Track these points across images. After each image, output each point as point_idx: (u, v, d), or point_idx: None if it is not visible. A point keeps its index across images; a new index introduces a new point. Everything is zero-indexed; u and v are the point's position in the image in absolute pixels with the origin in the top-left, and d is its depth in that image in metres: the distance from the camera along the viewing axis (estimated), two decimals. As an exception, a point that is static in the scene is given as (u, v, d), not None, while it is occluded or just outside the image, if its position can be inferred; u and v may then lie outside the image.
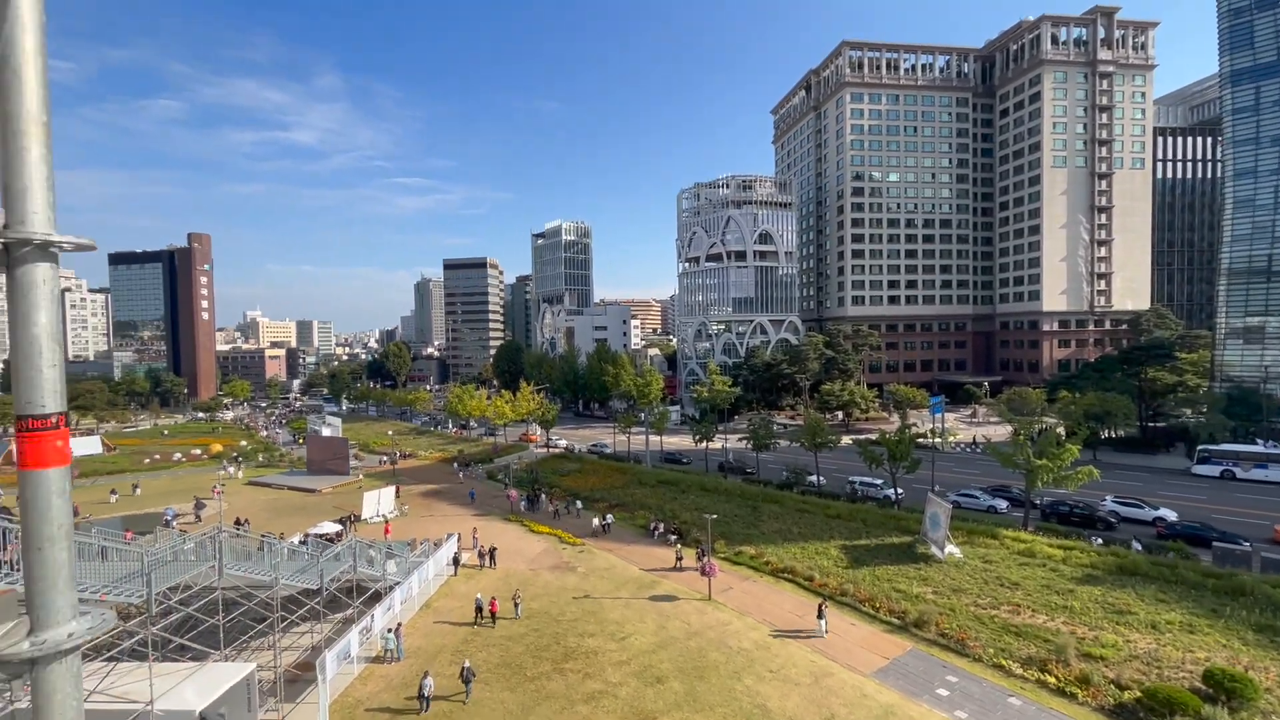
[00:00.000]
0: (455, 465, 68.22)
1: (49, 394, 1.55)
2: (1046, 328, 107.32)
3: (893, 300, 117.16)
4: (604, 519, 43.73)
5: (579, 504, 48.49)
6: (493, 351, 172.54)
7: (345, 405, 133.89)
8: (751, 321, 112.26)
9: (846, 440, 60.18)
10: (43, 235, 1.45)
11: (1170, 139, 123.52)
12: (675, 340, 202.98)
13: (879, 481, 50.25)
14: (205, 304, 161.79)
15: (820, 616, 25.99)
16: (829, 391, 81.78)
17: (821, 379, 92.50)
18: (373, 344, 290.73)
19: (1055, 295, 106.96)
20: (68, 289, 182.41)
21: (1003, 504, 45.40)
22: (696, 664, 23.84)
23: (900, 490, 47.43)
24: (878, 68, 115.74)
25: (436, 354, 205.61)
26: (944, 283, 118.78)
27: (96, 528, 30.21)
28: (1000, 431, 74.75)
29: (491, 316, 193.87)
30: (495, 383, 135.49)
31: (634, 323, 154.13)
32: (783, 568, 33.94)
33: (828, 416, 78.77)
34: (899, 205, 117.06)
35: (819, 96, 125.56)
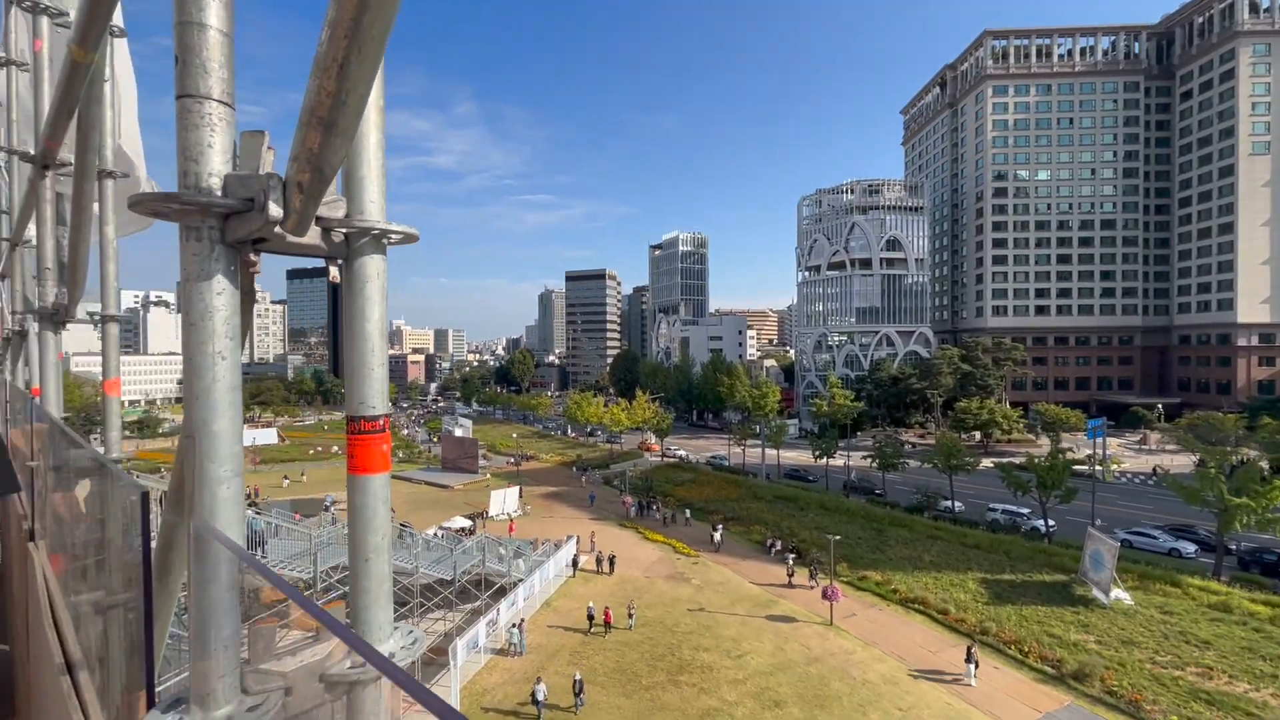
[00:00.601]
0: (574, 469, 70.71)
1: (378, 395, 1.48)
2: (1242, 342, 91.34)
3: (1041, 310, 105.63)
4: (715, 529, 43.34)
5: (688, 513, 48.36)
6: (609, 360, 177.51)
7: (474, 407, 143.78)
8: (877, 333, 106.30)
9: (986, 463, 54.93)
10: (380, 225, 1.38)
11: None
12: (792, 351, 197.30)
13: (1025, 511, 45.26)
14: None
15: (969, 659, 23.31)
16: (965, 409, 75.24)
17: (956, 396, 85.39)
18: (500, 351, 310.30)
19: (1254, 305, 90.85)
20: (256, 300, 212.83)
21: (1190, 547, 39.04)
22: (818, 692, 22.72)
23: (1052, 522, 42.43)
24: (1025, 56, 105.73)
25: (557, 361, 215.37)
26: (1105, 291, 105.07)
27: (275, 508, 34.76)
28: (1179, 462, 64.63)
29: (609, 326, 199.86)
30: (611, 390, 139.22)
31: (750, 333, 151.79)
32: (913, 598, 31.56)
33: (963, 437, 72.46)
34: (1050, 206, 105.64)
35: (955, 92, 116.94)
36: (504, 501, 50.68)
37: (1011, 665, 24.74)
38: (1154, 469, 63.58)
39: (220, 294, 1.13)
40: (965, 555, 37.49)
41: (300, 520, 42.42)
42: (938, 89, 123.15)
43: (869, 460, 56.82)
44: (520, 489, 56.01)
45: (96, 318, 2.10)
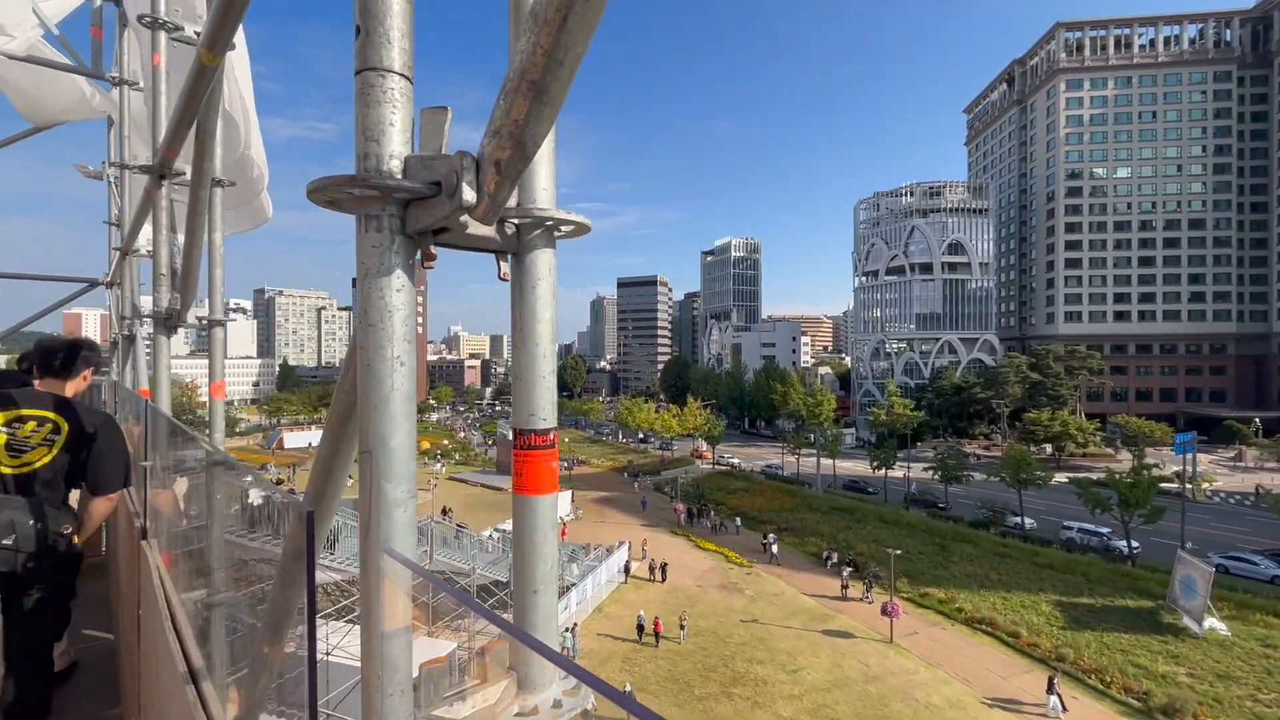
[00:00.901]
0: (625, 475, 70.95)
1: (549, 405, 1.37)
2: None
3: (1120, 316, 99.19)
4: (766, 538, 42.81)
5: (738, 521, 47.93)
6: (660, 366, 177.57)
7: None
8: (938, 340, 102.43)
9: (1059, 478, 51.92)
10: (554, 215, 1.25)
11: None
12: (848, 359, 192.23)
13: (1105, 531, 42.39)
14: (421, 320, 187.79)
15: (1051, 690, 21.50)
16: (1035, 420, 71.38)
17: (1024, 406, 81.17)
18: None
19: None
20: (322, 307, 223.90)
21: (1296, 576, 35.77)
22: (878, 713, 21.89)
23: (1135, 543, 39.63)
24: (1102, 48, 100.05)
25: (608, 367, 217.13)
26: (1194, 295, 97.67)
27: (342, 506, 36.33)
28: (1281, 481, 59.24)
29: (660, 332, 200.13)
30: (662, 396, 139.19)
31: (804, 340, 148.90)
32: (979, 618, 30.05)
33: (1032, 450, 68.71)
34: (1130, 205, 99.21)
35: (1024, 88, 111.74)
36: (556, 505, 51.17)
37: (1092, 696, 23.17)
38: (1256, 488, 58.38)
39: (400, 291, 1.03)
40: (1037, 575, 35.50)
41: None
42: (1004, 85, 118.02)
43: (931, 472, 54.67)
44: (572, 493, 56.58)
45: (204, 321, 2.17)
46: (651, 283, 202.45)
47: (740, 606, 32.31)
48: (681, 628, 27.94)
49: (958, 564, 37.90)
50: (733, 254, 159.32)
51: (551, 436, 1.38)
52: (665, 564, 35.25)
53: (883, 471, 59.37)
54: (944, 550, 40.45)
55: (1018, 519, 45.64)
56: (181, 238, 2.04)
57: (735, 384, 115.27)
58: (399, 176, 1.00)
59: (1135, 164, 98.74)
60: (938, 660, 26.07)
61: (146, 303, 4.16)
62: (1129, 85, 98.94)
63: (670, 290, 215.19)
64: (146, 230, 3.86)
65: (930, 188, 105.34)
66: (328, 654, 18.62)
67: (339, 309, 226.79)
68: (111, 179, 5.07)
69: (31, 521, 2.57)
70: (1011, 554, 39.02)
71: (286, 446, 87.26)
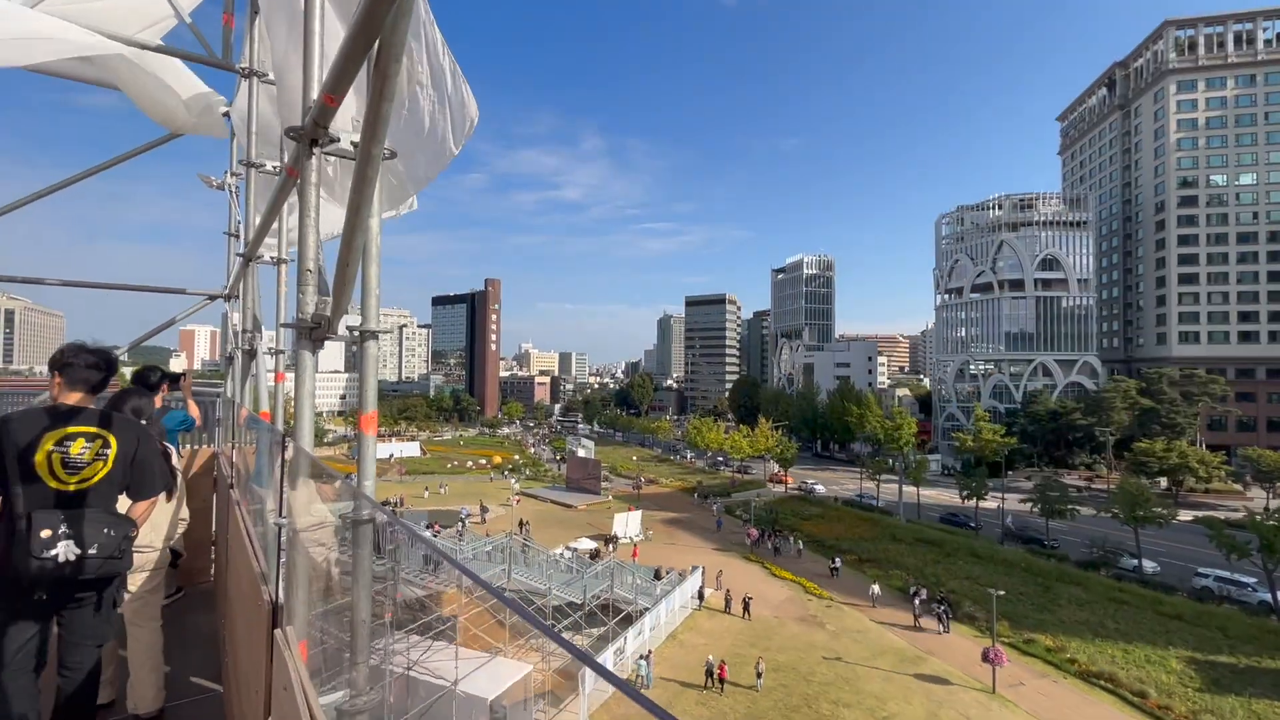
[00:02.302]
0: (695, 495, 69.64)
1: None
2: None
3: (1247, 338, 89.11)
4: (834, 562, 41.85)
5: (800, 544, 46.95)
6: (728, 385, 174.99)
7: (595, 429, 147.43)
8: (1030, 361, 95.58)
9: (1184, 516, 46.55)
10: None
11: None
12: (926, 380, 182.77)
13: (1250, 581, 37.26)
14: (494, 337, 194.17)
15: None
16: (1147, 451, 64.71)
17: (1134, 435, 73.99)
18: (619, 374, 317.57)
19: None
20: (404, 325, 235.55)
21: None
22: (986, 773, 19.78)
23: (1283, 595, 34.74)
24: (1219, 45, 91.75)
25: (675, 386, 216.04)
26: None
27: (415, 518, 37.22)
28: None
29: (728, 351, 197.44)
30: (730, 416, 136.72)
31: (879, 360, 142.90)
32: (1096, 671, 27.02)
33: (1144, 483, 62.26)
34: (1256, 215, 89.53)
35: (1127, 92, 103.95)
36: (626, 525, 50.70)
37: (1243, 773, 20.10)
38: None
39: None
40: (1163, 626, 31.71)
41: (439, 531, 45.22)
42: (1104, 90, 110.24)
43: (1029, 505, 50.34)
44: (641, 513, 55.88)
45: (356, 332, 1.73)
46: (720, 301, 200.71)
47: (821, 642, 30.49)
48: (759, 675, 25.37)
49: (1065, 608, 34.44)
50: (804, 271, 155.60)
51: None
52: (749, 598, 33.21)
53: (973, 502, 55.33)
54: (1048, 592, 36.93)
55: (1134, 561, 41.11)
56: (312, 237, 1.66)
57: (807, 405, 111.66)
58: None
59: (1262, 169, 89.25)
60: (1050, 718, 23.47)
61: (269, 315, 3.88)
62: (1252, 84, 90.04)
63: (739, 309, 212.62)
64: (269, 242, 3.63)
65: (1020, 200, 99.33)
66: (408, 669, 18.72)
67: (419, 326, 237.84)
68: (232, 189, 5.00)
69: (107, 530, 2.77)
70: (1129, 600, 35.11)
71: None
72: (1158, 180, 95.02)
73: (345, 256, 1.53)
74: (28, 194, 4.14)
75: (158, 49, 3.04)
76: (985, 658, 25.81)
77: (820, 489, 71.78)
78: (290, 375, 3.53)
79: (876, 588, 36.02)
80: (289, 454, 1.76)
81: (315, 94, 1.63)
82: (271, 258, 3.42)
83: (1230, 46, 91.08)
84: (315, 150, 1.63)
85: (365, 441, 1.78)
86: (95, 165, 4.26)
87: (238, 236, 5.10)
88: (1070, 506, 46.61)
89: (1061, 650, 28.95)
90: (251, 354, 3.51)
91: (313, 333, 1.75)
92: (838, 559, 42.64)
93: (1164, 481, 66.48)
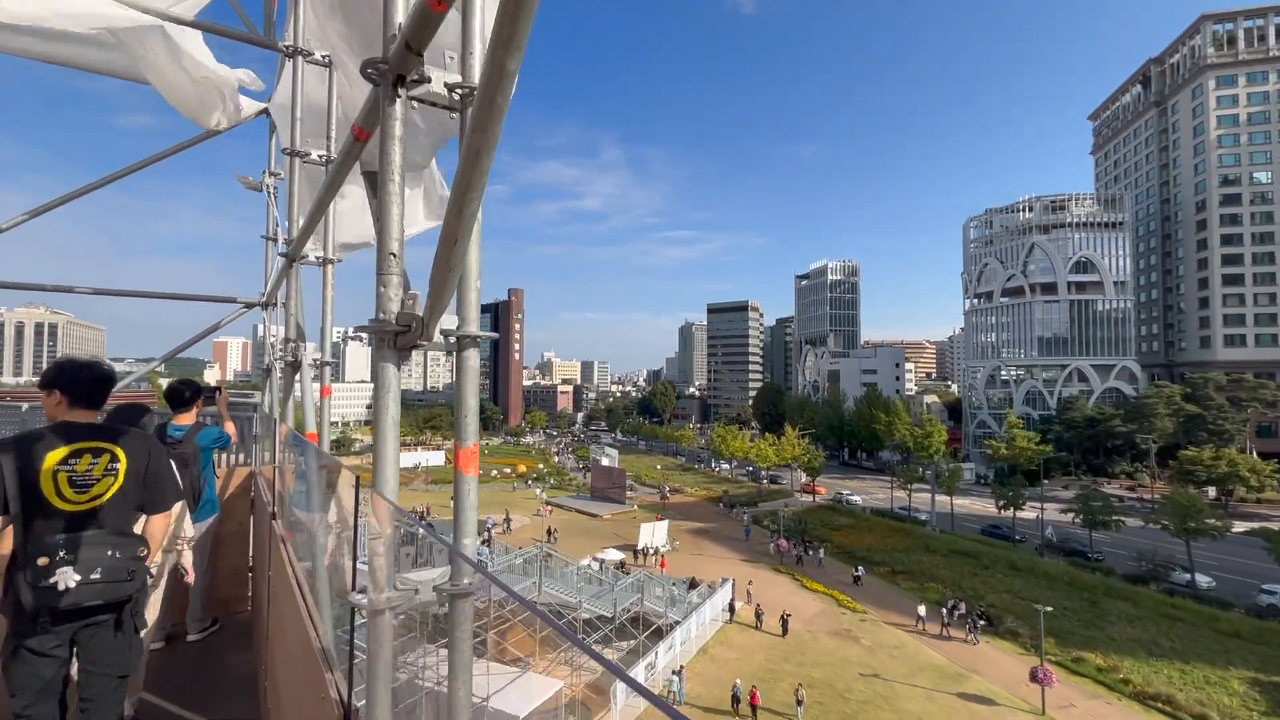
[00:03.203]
0: (721, 505, 68.71)
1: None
2: None
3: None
4: (857, 570, 41.40)
5: (821, 553, 46.39)
6: (751, 393, 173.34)
7: (618, 437, 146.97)
8: (1065, 366, 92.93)
9: (1237, 528, 44.38)
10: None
11: None
12: (954, 386, 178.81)
13: (1315, 596, 35.29)
14: (517, 347, 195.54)
15: None
16: (1194, 459, 62.09)
17: (1179, 442, 71.15)
18: (641, 382, 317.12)
19: None
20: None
21: None
22: (1040, 801, 18.76)
23: (1350, 613, 32.82)
24: (1260, 39, 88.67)
25: (697, 394, 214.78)
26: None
27: (440, 529, 37.10)
28: None
29: (751, 358, 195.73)
30: (755, 424, 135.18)
31: (907, 366, 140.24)
32: (1152, 693, 25.62)
33: (1196, 493, 59.66)
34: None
35: (1163, 89, 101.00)
36: (652, 535, 50.03)
37: (1322, 806, 18.76)
38: None
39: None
40: (1221, 645, 30.10)
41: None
42: (1138, 88, 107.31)
43: (1070, 515, 48.51)
44: (668, 523, 55.18)
45: (453, 339, 1.36)
46: (742, 308, 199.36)
47: (857, 657, 29.52)
48: (799, 703, 23.84)
49: (1114, 625, 32.93)
50: (829, 277, 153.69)
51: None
52: (787, 615, 32.02)
53: (1010, 512, 53.58)
54: (1095, 607, 35.39)
55: (1187, 575, 39.22)
56: (395, 210, 1.29)
57: (834, 412, 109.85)
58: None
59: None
60: (1106, 742, 22.30)
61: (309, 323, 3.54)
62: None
63: (761, 316, 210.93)
64: (312, 243, 3.31)
65: (1052, 201, 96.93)
66: (438, 684, 18.44)
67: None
68: (270, 189, 4.71)
69: (111, 552, 2.63)
70: (1183, 617, 33.45)
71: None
72: (1198, 179, 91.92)
73: (454, 229, 1.13)
74: (60, 197, 3.89)
75: (193, 24, 2.77)
76: (1033, 677, 24.65)
77: (857, 500, 69.81)
78: (336, 388, 3.18)
79: (924, 609, 33.94)
80: (375, 517, 1.36)
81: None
82: (317, 258, 3.10)
83: (1272, 40, 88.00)
84: (400, 94, 1.27)
85: (465, 485, 1.38)
86: (130, 165, 4.01)
87: (275, 240, 4.84)
88: (1115, 518, 44.77)
89: (1114, 670, 27.59)
90: (295, 365, 3.18)
91: (399, 339, 1.39)
92: (860, 567, 42.24)
93: (1212, 491, 63.72)
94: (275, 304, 4.86)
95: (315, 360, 3.01)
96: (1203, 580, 38.98)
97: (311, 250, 3.13)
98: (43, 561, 2.48)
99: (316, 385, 2.99)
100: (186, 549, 3.58)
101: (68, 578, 2.51)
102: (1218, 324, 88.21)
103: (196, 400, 4.52)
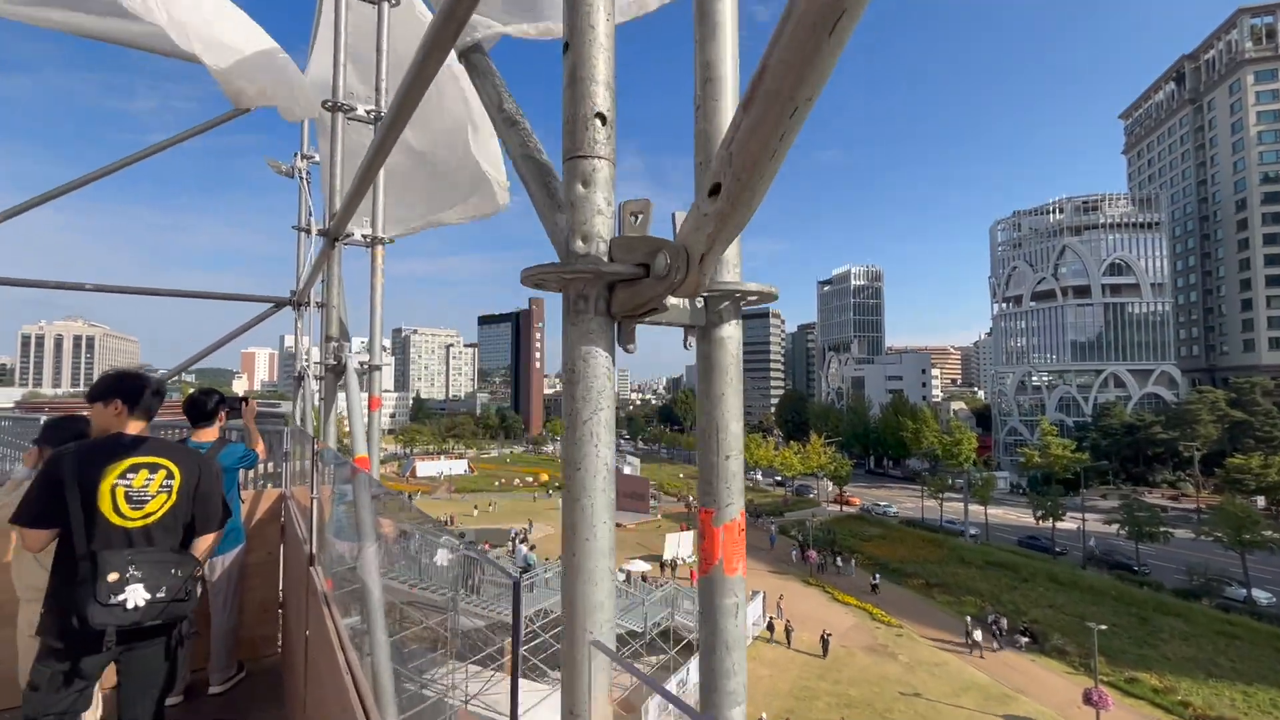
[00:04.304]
0: (746, 515, 67.60)
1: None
2: None
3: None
4: (875, 578, 41.15)
5: (838, 560, 46.47)
6: (773, 400, 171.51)
7: (640, 445, 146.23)
8: (1100, 371, 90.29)
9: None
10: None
11: None
12: (980, 392, 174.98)
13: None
14: (538, 355, 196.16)
15: None
16: (1243, 467, 59.47)
17: (1224, 449, 68.38)
18: (661, 390, 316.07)
19: None
20: (450, 344, 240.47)
21: None
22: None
23: None
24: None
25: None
26: None
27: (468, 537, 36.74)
28: None
29: (773, 365, 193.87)
30: (778, 432, 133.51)
31: (933, 372, 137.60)
32: (1213, 716, 24.17)
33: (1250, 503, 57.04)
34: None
35: (1198, 85, 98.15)
36: (678, 546, 49.17)
37: None
38: None
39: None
40: (1286, 665, 28.35)
41: (489, 549, 44.80)
42: (1172, 85, 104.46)
43: (1114, 526, 46.62)
44: (693, 533, 54.29)
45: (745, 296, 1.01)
46: (764, 315, 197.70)
47: (895, 675, 28.38)
48: None
49: (1168, 643, 31.30)
50: (852, 283, 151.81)
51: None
52: (828, 635, 30.42)
53: (1048, 523, 51.72)
54: (1145, 624, 33.73)
55: (1243, 590, 37.27)
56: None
57: (859, 419, 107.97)
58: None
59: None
60: (1169, 770, 20.97)
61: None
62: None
63: (782, 322, 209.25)
64: (355, 224, 2.80)
65: (1084, 202, 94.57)
66: (466, 702, 17.88)
67: (465, 345, 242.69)
68: (303, 174, 4.23)
69: (174, 570, 2.60)
70: (1240, 635, 31.71)
71: (419, 475, 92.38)
72: (1237, 176, 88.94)
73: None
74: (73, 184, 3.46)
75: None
76: (1087, 699, 23.37)
77: (894, 510, 67.77)
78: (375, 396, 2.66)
79: (979, 634, 31.50)
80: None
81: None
82: (364, 236, 2.59)
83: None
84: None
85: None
86: (161, 141, 3.57)
87: (309, 231, 4.35)
88: (1163, 529, 42.85)
89: (1171, 691, 26.11)
90: (337, 370, 2.65)
91: (620, 294, 0.94)
92: (877, 575, 42.05)
93: (1261, 500, 60.96)
94: (308, 302, 4.36)
95: (363, 364, 2.49)
96: (1261, 596, 36.98)
97: (356, 229, 2.63)
98: (113, 577, 2.43)
99: (364, 396, 2.45)
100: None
101: (138, 595, 2.47)
102: (1262, 326, 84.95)
103: (220, 412, 4.03)
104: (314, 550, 2.69)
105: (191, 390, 4.11)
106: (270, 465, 5.21)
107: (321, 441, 2.98)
